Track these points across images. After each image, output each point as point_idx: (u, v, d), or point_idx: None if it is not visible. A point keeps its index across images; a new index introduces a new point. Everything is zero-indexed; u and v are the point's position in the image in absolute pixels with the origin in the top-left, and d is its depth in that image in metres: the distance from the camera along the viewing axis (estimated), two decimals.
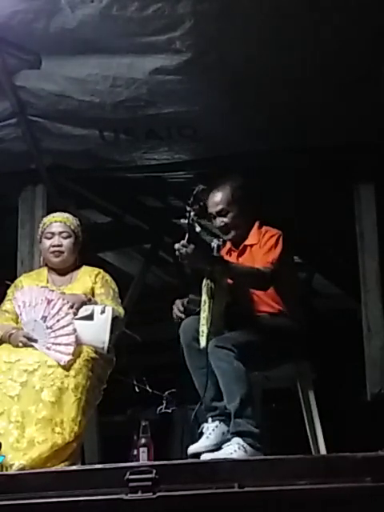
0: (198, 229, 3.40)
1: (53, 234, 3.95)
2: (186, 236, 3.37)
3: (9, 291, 3.97)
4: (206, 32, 3.83)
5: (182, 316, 3.61)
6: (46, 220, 4.04)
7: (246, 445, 3.23)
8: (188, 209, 3.38)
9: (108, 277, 3.97)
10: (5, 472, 3.19)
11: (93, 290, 3.88)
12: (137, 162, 4.84)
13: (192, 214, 3.37)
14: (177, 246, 3.38)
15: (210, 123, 4.42)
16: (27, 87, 4.37)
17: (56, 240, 3.93)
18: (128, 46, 3.99)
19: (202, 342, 3.39)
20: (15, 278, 4.22)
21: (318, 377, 3.79)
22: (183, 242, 3.37)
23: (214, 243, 3.65)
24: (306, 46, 3.88)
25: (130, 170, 4.94)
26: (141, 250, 6.31)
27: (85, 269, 3.98)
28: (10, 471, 3.19)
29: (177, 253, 3.39)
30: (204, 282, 3.48)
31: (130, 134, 4.60)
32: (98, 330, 3.64)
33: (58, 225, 3.97)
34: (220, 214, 3.72)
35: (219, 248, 3.69)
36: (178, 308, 3.65)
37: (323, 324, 5.31)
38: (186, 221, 3.37)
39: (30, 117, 4.57)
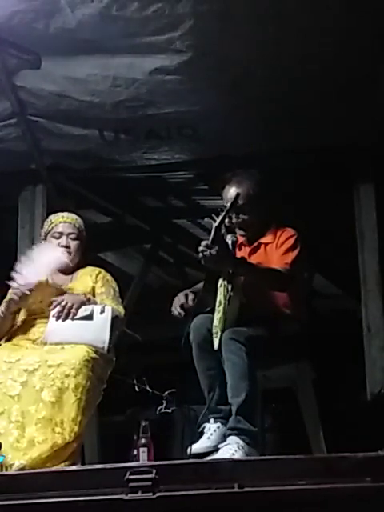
0: (223, 231, 3.40)
1: (61, 234, 3.95)
2: (211, 237, 3.35)
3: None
4: (205, 32, 3.83)
5: (182, 313, 3.58)
6: (54, 219, 4.02)
7: (244, 444, 3.23)
8: (222, 213, 3.35)
9: (109, 276, 3.98)
10: (5, 472, 3.19)
11: (93, 289, 3.88)
12: (137, 162, 4.85)
13: (226, 220, 3.36)
14: (200, 247, 3.37)
15: (210, 123, 4.42)
16: (27, 87, 4.37)
17: (64, 241, 3.94)
18: (128, 46, 4.00)
19: (216, 344, 3.37)
20: None
21: (318, 377, 3.78)
22: (207, 242, 3.35)
23: (229, 239, 3.62)
24: (306, 47, 3.88)
25: (130, 170, 4.94)
26: (141, 250, 6.31)
27: (86, 268, 3.98)
28: (10, 471, 3.19)
29: (200, 254, 3.37)
30: (220, 282, 3.46)
31: (130, 134, 4.60)
32: (97, 329, 3.64)
33: (67, 226, 3.97)
34: (239, 210, 3.68)
35: (234, 244, 3.67)
36: (180, 303, 3.61)
37: (323, 324, 5.31)
38: (216, 223, 3.35)
39: (29, 117, 4.58)
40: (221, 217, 3.35)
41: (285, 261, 3.58)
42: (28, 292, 3.70)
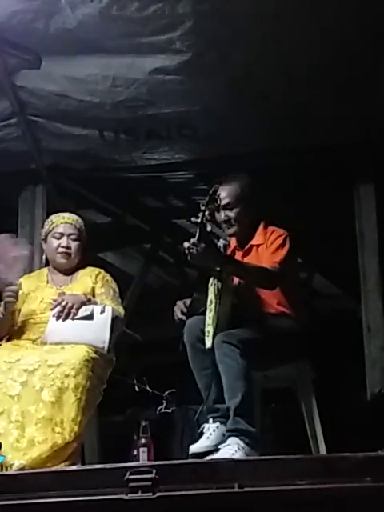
0: (208, 228, 3.41)
1: (62, 234, 3.95)
2: (197, 235, 3.36)
3: None
4: (206, 32, 3.83)
5: (184, 318, 3.61)
6: (55, 219, 4.02)
7: (243, 444, 3.24)
8: (202, 208, 3.37)
9: (108, 277, 3.98)
10: (5, 472, 3.19)
11: (93, 289, 3.88)
12: (137, 162, 4.85)
13: (207, 213, 3.37)
14: (187, 244, 3.38)
15: (210, 123, 4.42)
16: (27, 87, 4.37)
17: (65, 241, 3.94)
18: (128, 46, 3.99)
19: (208, 343, 3.38)
20: None
21: (318, 377, 3.79)
22: (194, 240, 3.36)
23: (221, 243, 3.64)
24: (306, 46, 3.88)
25: (130, 170, 4.94)
26: (141, 250, 6.31)
27: (86, 269, 3.98)
28: (10, 471, 3.19)
29: (186, 251, 3.38)
30: (210, 281, 3.48)
31: (130, 134, 4.60)
32: (97, 329, 3.64)
33: (68, 226, 3.97)
34: (226, 207, 3.70)
35: (226, 248, 3.69)
36: (179, 309, 3.65)
37: (323, 324, 5.31)
38: (198, 219, 3.36)
39: (29, 117, 4.58)
40: (201, 212, 3.36)
41: (274, 259, 3.59)
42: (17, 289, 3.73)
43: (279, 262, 3.58)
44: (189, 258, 3.41)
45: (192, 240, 3.38)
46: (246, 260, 3.72)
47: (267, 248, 3.68)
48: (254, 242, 3.75)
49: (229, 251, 3.79)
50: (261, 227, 3.77)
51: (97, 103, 4.35)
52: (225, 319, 3.44)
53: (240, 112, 4.28)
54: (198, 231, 3.38)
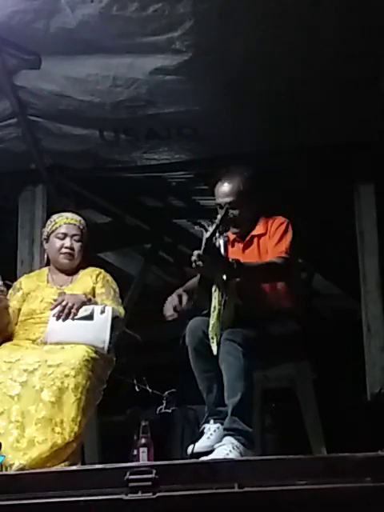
0: (217, 243, 3.40)
1: (65, 235, 3.95)
2: (203, 247, 3.34)
3: (9, 292, 3.97)
4: (206, 32, 3.83)
5: (175, 315, 3.59)
6: (58, 219, 4.02)
7: (239, 444, 3.24)
8: (214, 226, 3.34)
9: (109, 277, 3.98)
10: (5, 472, 3.19)
11: (94, 289, 3.89)
12: (137, 162, 4.84)
13: (217, 234, 3.37)
14: (192, 258, 3.36)
15: (210, 123, 4.42)
16: (27, 87, 4.37)
17: (68, 242, 3.94)
18: (128, 46, 3.99)
19: (215, 349, 3.37)
20: (15, 278, 4.22)
21: (318, 377, 3.79)
22: (198, 252, 3.34)
23: (221, 239, 3.61)
24: (306, 46, 3.88)
25: (130, 170, 4.94)
26: (141, 250, 6.31)
27: (86, 269, 3.98)
28: (10, 471, 3.19)
29: (193, 264, 3.37)
30: (214, 287, 3.46)
31: (130, 134, 4.60)
32: (98, 329, 3.64)
33: (71, 227, 3.97)
34: (230, 206, 3.69)
35: (226, 244, 3.67)
36: (172, 306, 3.62)
37: (323, 324, 5.31)
38: (207, 235, 3.33)
39: (29, 117, 4.57)
40: (212, 229, 3.34)
41: (279, 250, 3.59)
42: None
43: (285, 251, 3.58)
44: (194, 269, 3.40)
45: (197, 252, 3.36)
46: (247, 251, 3.71)
47: (270, 238, 3.67)
48: (254, 232, 3.74)
49: (228, 243, 3.76)
50: (261, 218, 3.76)
51: (97, 103, 4.35)
52: (229, 322, 3.43)
53: (240, 112, 4.28)
54: (203, 244, 3.34)
